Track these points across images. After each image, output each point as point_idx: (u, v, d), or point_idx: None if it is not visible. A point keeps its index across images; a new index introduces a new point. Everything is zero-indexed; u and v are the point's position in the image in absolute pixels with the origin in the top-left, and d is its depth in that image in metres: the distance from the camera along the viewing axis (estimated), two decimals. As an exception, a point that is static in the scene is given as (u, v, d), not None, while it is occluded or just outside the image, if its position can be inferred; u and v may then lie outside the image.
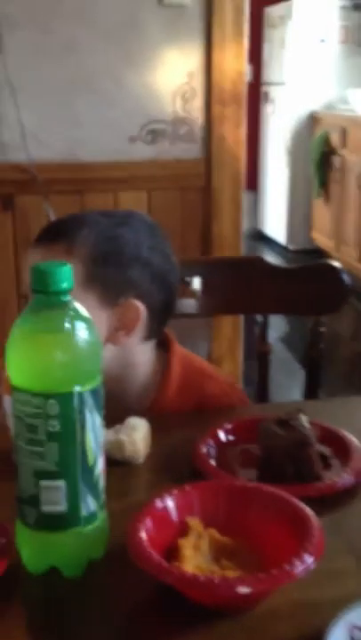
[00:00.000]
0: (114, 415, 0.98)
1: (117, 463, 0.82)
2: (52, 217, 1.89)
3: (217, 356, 2.08)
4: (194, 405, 1.00)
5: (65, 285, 0.60)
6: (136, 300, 0.94)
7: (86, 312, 0.90)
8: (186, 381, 1.01)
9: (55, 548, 0.63)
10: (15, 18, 1.82)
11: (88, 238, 0.92)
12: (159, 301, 0.97)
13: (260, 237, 5.36)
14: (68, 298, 0.61)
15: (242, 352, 2.13)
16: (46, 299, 0.60)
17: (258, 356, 1.35)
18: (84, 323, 0.61)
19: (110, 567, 0.66)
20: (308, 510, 0.66)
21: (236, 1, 1.90)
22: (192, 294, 1.54)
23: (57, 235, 0.94)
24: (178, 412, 0.99)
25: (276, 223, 5.10)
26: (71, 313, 0.61)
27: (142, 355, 1.00)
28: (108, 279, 0.93)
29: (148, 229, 0.98)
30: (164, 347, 1.04)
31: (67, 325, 0.60)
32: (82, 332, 0.61)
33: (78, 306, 0.62)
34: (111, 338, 0.94)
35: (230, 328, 2.08)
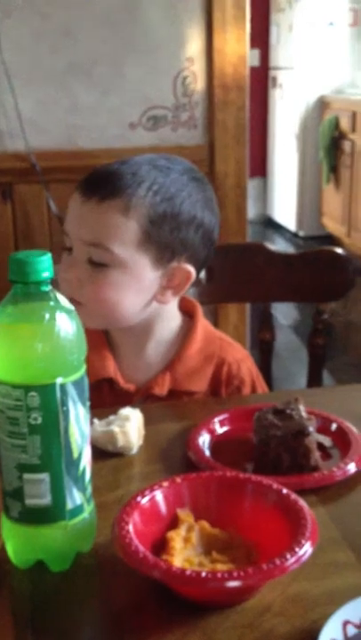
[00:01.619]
0: (134, 376, 1.00)
1: (110, 455, 0.81)
2: (53, 207, 1.87)
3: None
4: (212, 367, 1.02)
5: (45, 275, 0.58)
6: (187, 264, 0.95)
7: (137, 273, 0.93)
8: (207, 344, 1.03)
9: (41, 542, 0.62)
10: (11, 1, 1.79)
11: (146, 198, 0.91)
12: (203, 257, 0.99)
13: (270, 224, 5.32)
14: (49, 288, 0.59)
15: (249, 339, 2.11)
16: (26, 289, 0.58)
17: (260, 344, 1.33)
18: (66, 313, 0.60)
19: (99, 561, 0.65)
20: (302, 501, 0.65)
21: (237, -17, 1.87)
22: (196, 282, 1.51)
23: (113, 191, 0.90)
24: (196, 372, 1.00)
25: (285, 209, 5.06)
26: (52, 303, 0.59)
27: (171, 307, 1.01)
28: (163, 241, 0.92)
29: (198, 185, 0.97)
30: (189, 315, 1.06)
31: (47, 316, 0.59)
32: (63, 323, 0.59)
33: (59, 296, 0.60)
34: (158, 297, 0.96)
35: (236, 315, 2.06)
